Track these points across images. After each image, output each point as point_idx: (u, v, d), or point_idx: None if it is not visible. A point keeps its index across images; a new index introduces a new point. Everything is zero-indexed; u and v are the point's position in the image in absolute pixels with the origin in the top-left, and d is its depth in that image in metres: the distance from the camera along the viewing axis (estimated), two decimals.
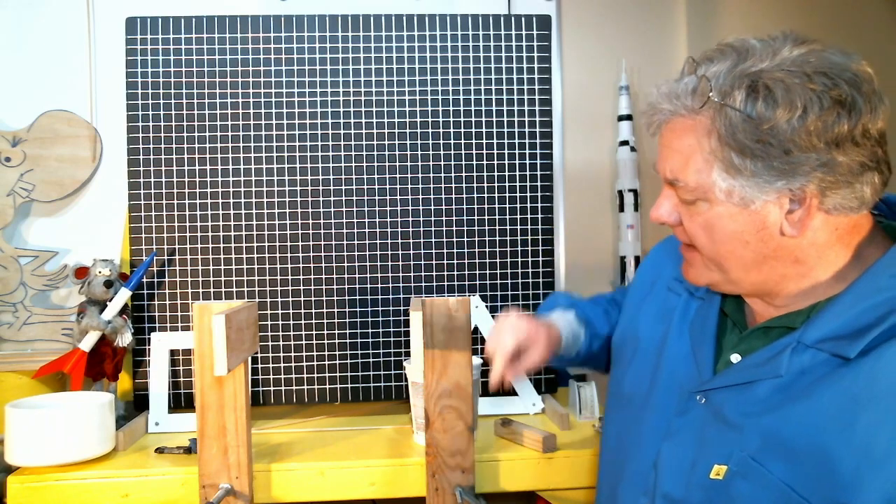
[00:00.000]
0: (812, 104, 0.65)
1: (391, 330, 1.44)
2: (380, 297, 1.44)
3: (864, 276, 0.70)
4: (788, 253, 0.72)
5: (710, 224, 0.74)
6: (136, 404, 1.40)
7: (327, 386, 1.43)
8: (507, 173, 1.46)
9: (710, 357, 0.81)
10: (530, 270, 1.47)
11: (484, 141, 1.47)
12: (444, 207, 1.46)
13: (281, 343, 1.43)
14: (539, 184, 1.47)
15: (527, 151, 1.47)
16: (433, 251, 1.45)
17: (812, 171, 0.66)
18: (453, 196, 1.46)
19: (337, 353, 1.44)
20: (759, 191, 0.69)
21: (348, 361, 1.44)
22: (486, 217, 1.46)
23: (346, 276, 1.43)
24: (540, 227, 1.47)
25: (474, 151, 1.46)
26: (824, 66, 0.67)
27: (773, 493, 0.69)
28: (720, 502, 0.73)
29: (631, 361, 0.94)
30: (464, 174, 1.46)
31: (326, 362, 1.43)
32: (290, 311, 1.43)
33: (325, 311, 1.43)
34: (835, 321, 0.69)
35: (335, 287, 1.43)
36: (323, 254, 1.43)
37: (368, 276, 1.44)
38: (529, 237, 1.47)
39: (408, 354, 1.44)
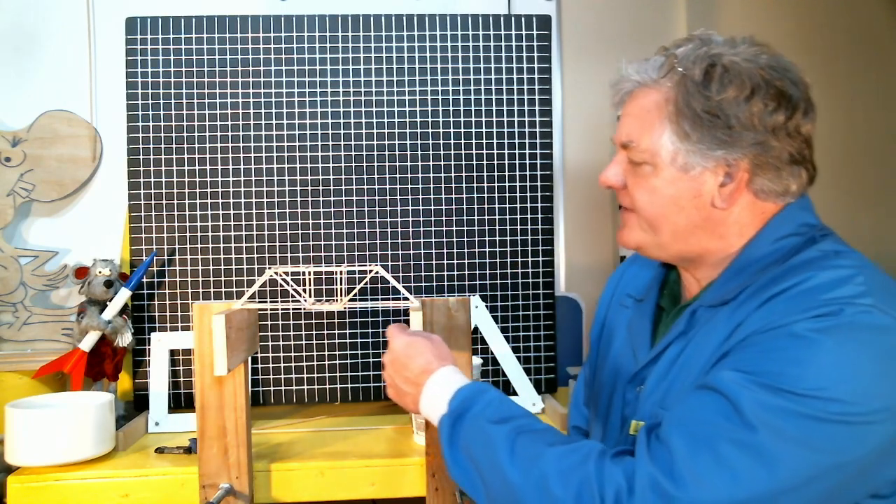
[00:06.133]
0: (759, 88, 0.75)
1: None
2: (380, 296, 1.43)
3: (747, 246, 0.78)
4: (715, 226, 0.79)
5: (651, 187, 0.80)
6: (136, 404, 1.40)
7: (327, 386, 1.43)
8: (507, 173, 1.46)
9: (646, 348, 0.87)
10: (530, 270, 1.47)
11: (484, 141, 1.47)
12: (444, 207, 1.46)
13: (281, 343, 1.43)
14: (539, 184, 1.47)
15: (527, 151, 1.47)
16: (433, 251, 1.45)
17: (748, 146, 0.75)
18: (453, 196, 1.46)
19: (337, 353, 1.44)
20: (700, 157, 0.77)
21: (348, 361, 1.44)
22: (486, 217, 1.46)
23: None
24: (540, 227, 1.47)
25: (474, 151, 1.46)
26: (774, 61, 0.77)
27: None
28: None
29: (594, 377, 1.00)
30: (464, 174, 1.46)
31: (326, 362, 1.43)
32: (291, 311, 1.43)
33: (325, 311, 1.43)
34: (721, 289, 0.78)
35: (335, 287, 1.43)
36: (323, 254, 1.43)
37: (368, 276, 1.44)
38: (529, 237, 1.47)
39: None
